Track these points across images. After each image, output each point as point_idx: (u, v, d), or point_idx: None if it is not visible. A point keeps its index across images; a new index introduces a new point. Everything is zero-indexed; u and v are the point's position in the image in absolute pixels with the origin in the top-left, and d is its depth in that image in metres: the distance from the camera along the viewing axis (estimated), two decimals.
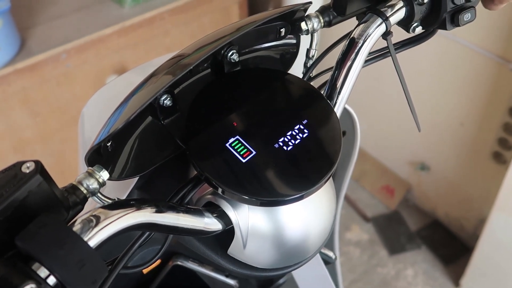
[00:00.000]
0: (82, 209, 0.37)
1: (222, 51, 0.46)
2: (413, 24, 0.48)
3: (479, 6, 0.50)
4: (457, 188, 1.67)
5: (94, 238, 0.33)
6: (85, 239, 0.33)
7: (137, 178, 0.51)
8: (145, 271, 0.61)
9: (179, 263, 0.60)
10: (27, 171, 0.32)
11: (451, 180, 1.68)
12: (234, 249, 0.46)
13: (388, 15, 0.46)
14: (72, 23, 1.36)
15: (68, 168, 1.47)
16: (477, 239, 1.45)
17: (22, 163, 0.32)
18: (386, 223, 1.79)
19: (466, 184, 1.63)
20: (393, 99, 1.69)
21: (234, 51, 0.46)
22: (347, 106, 0.65)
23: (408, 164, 1.80)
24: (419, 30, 0.49)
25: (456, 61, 1.45)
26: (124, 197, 0.51)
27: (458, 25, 0.47)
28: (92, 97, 0.66)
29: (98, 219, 0.34)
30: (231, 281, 0.61)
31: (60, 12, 1.41)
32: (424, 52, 1.51)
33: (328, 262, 0.68)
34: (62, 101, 1.39)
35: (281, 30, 0.49)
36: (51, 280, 0.29)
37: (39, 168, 0.32)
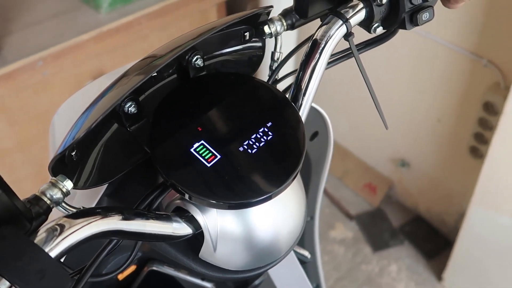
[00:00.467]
0: (46, 219, 0.37)
1: (187, 57, 0.47)
2: (373, 25, 0.49)
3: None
4: (437, 183, 1.70)
5: (57, 248, 0.33)
6: (47, 249, 0.33)
7: (107, 185, 0.51)
8: (121, 277, 0.61)
9: (154, 268, 0.60)
10: None
11: (431, 176, 1.70)
12: (205, 253, 0.47)
13: (348, 17, 0.47)
14: (48, 30, 1.35)
15: (48, 176, 1.46)
16: (458, 233, 1.48)
17: None
18: (369, 220, 1.80)
19: (446, 179, 1.66)
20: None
21: (199, 56, 0.47)
22: (317, 107, 0.66)
23: (389, 161, 1.82)
24: (380, 30, 0.50)
25: (430, 58, 1.47)
26: (93, 205, 0.51)
27: (417, 25, 0.48)
28: (63, 104, 0.66)
29: (61, 228, 0.34)
30: (207, 284, 0.61)
31: (35, 19, 1.39)
32: (400, 50, 1.53)
33: (303, 261, 0.68)
34: (41, 109, 1.37)
35: (245, 34, 0.50)
36: None
37: None
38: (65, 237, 0.34)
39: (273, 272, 0.64)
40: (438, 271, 1.63)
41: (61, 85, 1.39)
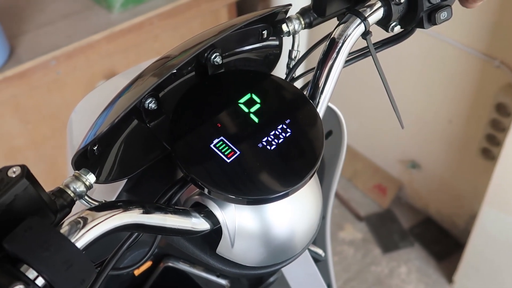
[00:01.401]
0: (69, 212, 0.37)
1: (205, 54, 0.47)
2: (391, 24, 0.49)
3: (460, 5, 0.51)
4: (447, 185, 1.69)
5: (82, 239, 0.34)
6: (72, 240, 0.33)
7: (125, 180, 0.52)
8: (136, 273, 0.61)
9: (170, 264, 0.60)
10: (13, 175, 0.32)
11: (441, 177, 1.69)
12: (222, 248, 0.47)
13: (366, 15, 0.47)
14: (61, 29, 1.37)
15: (60, 174, 1.47)
16: (468, 235, 1.47)
17: (8, 167, 0.33)
18: (379, 222, 1.80)
19: (457, 180, 1.65)
20: (383, 98, 1.70)
21: (217, 54, 0.47)
22: (332, 106, 0.66)
23: (399, 163, 1.82)
24: (398, 29, 0.50)
25: (442, 59, 1.47)
26: (112, 200, 0.51)
27: (435, 24, 0.49)
28: (80, 102, 0.67)
29: (85, 221, 0.35)
30: (222, 281, 0.62)
31: (48, 19, 1.41)
32: (411, 51, 1.53)
33: (317, 259, 0.68)
34: (53, 107, 1.39)
35: (263, 32, 0.50)
36: (40, 281, 0.30)
37: (25, 172, 0.32)
38: (89, 229, 0.34)
39: (287, 270, 0.64)
40: (449, 273, 1.62)
41: (74, 85, 1.40)
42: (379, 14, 0.48)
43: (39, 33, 1.36)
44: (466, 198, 1.64)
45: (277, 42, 0.53)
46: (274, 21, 0.50)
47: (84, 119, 0.65)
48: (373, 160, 1.92)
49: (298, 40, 0.52)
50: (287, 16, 0.51)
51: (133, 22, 1.41)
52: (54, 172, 1.48)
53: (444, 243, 1.72)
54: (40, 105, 1.36)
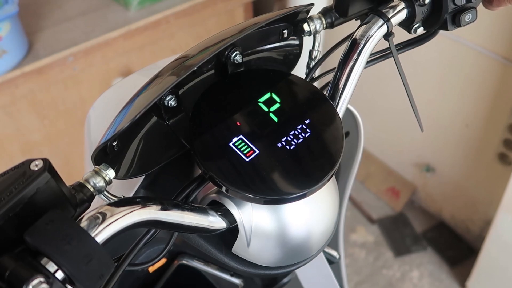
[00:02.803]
0: (89, 206, 0.37)
1: (226, 52, 0.47)
2: (414, 25, 0.48)
3: (481, 8, 0.50)
4: (462, 189, 1.67)
5: (101, 234, 0.34)
6: (92, 235, 0.33)
7: (143, 177, 0.52)
8: (151, 270, 0.62)
9: (184, 262, 0.60)
10: (36, 168, 0.32)
11: (456, 182, 1.67)
12: (238, 247, 0.47)
13: (389, 16, 0.46)
14: (78, 26, 1.38)
15: (75, 170, 1.49)
16: (483, 241, 1.45)
17: (30, 161, 0.33)
18: (391, 225, 1.78)
19: (472, 185, 1.63)
20: (398, 101, 1.69)
21: (238, 52, 0.47)
22: (350, 107, 0.66)
23: (414, 166, 1.80)
24: (420, 30, 0.50)
25: (460, 62, 1.45)
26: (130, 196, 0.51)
27: (460, 26, 0.48)
28: (98, 98, 0.67)
29: (104, 216, 0.35)
30: (236, 280, 0.62)
31: (66, 16, 1.42)
32: (429, 54, 1.51)
33: (332, 261, 0.68)
34: (69, 103, 1.40)
35: (284, 31, 0.50)
36: (59, 275, 0.30)
37: (47, 166, 0.33)
38: (108, 225, 0.34)
39: (301, 271, 0.64)
40: (461, 278, 1.60)
41: (90, 81, 1.41)
42: (402, 15, 0.47)
43: (57, 29, 1.37)
44: (481, 204, 1.61)
45: (297, 42, 0.53)
46: (295, 21, 0.50)
47: (102, 115, 0.66)
48: (386, 163, 1.91)
49: (319, 40, 0.51)
50: (308, 16, 0.50)
51: (150, 20, 1.41)
52: (68, 167, 1.49)
53: (457, 248, 1.70)
54: (57, 100, 1.37)
